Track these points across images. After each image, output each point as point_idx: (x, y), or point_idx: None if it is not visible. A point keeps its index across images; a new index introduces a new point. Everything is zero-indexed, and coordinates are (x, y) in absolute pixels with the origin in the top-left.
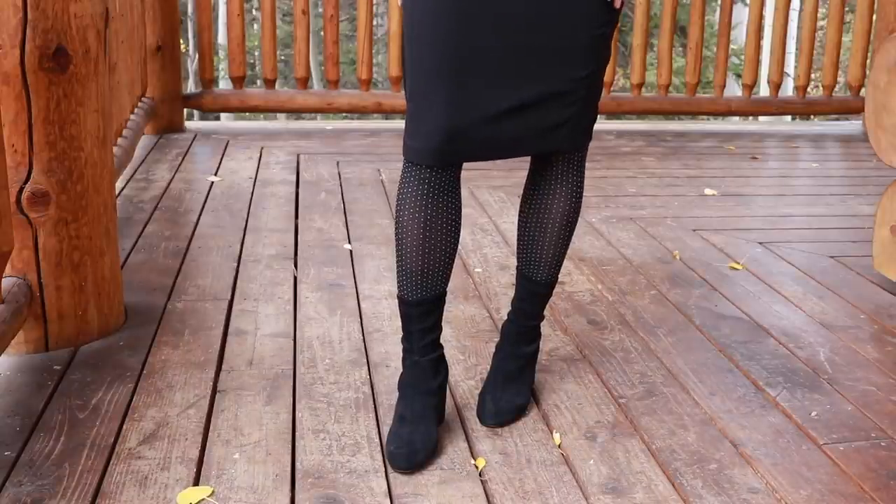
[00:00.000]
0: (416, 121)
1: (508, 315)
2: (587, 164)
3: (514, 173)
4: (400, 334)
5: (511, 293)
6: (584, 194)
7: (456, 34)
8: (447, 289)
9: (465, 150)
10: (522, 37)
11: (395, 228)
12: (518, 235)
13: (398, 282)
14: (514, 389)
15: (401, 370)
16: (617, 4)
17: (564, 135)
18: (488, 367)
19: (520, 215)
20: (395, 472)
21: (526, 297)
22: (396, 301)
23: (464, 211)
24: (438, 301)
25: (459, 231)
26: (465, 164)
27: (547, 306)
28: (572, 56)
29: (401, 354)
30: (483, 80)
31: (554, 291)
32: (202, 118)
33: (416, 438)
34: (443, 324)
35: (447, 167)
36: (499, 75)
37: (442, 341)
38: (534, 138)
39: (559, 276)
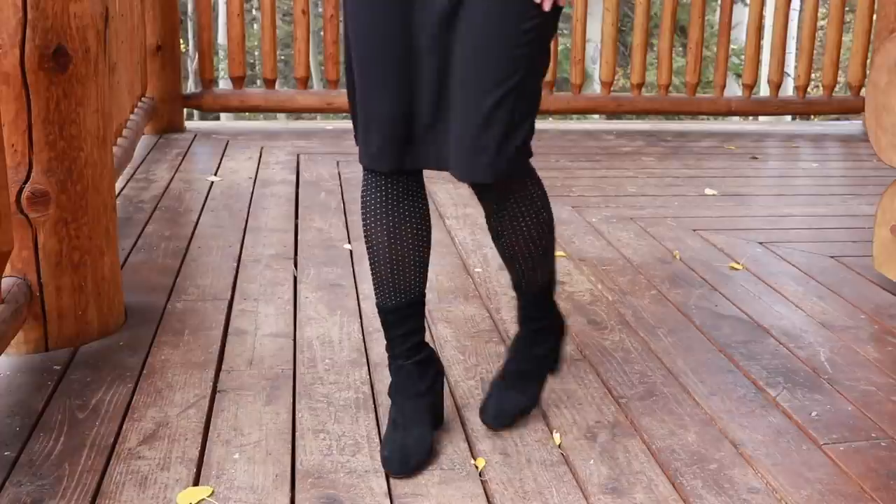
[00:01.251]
0: (359, 126)
1: (517, 318)
2: (587, 165)
3: None
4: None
5: (511, 293)
6: (587, 193)
7: (379, 39)
8: (424, 291)
9: (406, 156)
10: (444, 41)
11: (364, 236)
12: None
13: (374, 289)
14: (519, 389)
15: None
16: (546, 6)
17: (486, 160)
18: (488, 367)
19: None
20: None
21: (524, 304)
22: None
23: (464, 211)
24: (415, 306)
25: (428, 235)
26: None
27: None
28: (492, 63)
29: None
30: (408, 85)
31: (554, 291)
32: (202, 118)
33: (409, 443)
34: (443, 324)
35: (400, 173)
36: (414, 83)
37: (442, 341)
38: (455, 159)
39: (554, 275)
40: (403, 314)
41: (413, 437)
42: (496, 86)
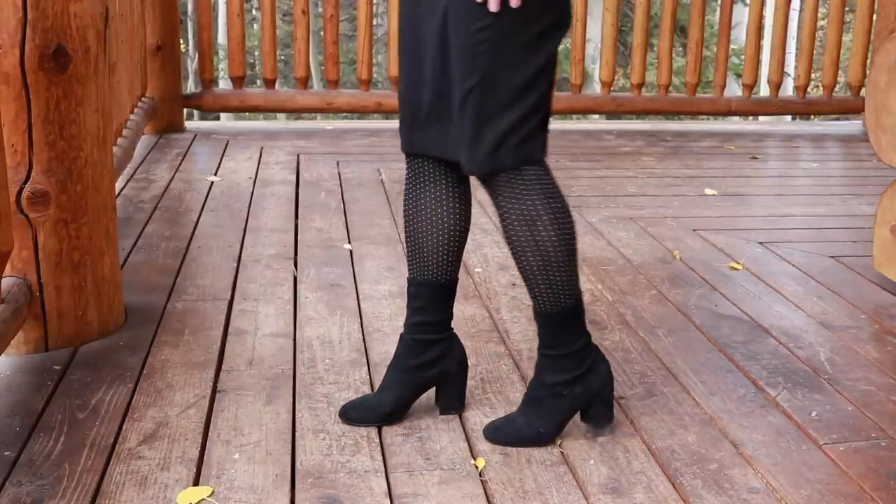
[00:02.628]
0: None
1: None
2: (587, 165)
3: None
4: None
5: (511, 293)
6: (587, 193)
7: (403, 24)
8: (446, 278)
9: (416, 141)
10: (428, 36)
11: None
12: None
13: None
14: (526, 414)
15: None
16: (492, 7)
17: (463, 150)
18: (488, 367)
19: None
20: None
21: (538, 324)
22: (396, 301)
23: None
24: (427, 287)
25: (447, 223)
26: None
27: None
28: (454, 60)
29: None
30: (411, 76)
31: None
32: (202, 118)
33: (368, 400)
34: None
35: (415, 156)
36: (421, 72)
37: None
38: (449, 145)
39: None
40: (415, 291)
41: (375, 398)
42: (461, 80)
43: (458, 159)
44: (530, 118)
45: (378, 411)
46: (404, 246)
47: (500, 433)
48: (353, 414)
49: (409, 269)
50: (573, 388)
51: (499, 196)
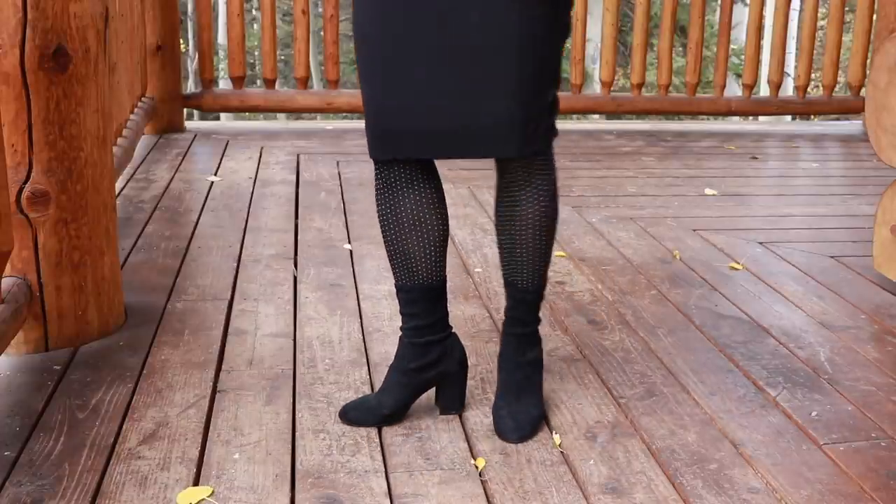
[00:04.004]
0: (365, 117)
1: (504, 325)
2: (587, 165)
3: None
4: (399, 334)
5: None
6: (587, 193)
7: (381, 30)
8: (433, 280)
9: (400, 145)
10: (446, 28)
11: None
12: (498, 244)
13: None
14: (528, 400)
15: None
16: None
17: (502, 138)
18: (488, 367)
19: (495, 224)
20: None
21: (515, 304)
22: (396, 301)
23: (464, 210)
24: (418, 291)
25: (433, 226)
26: (465, 163)
27: (545, 307)
28: (501, 50)
29: None
30: (408, 74)
31: (554, 291)
32: (202, 118)
33: (370, 401)
34: None
35: (392, 163)
36: (425, 69)
37: None
38: (471, 139)
39: (547, 278)
40: (408, 297)
41: (375, 399)
42: (519, 67)
43: (480, 152)
44: (556, 100)
45: (378, 412)
46: (390, 254)
47: (523, 429)
48: (353, 415)
49: (397, 276)
50: (540, 354)
51: (534, 176)
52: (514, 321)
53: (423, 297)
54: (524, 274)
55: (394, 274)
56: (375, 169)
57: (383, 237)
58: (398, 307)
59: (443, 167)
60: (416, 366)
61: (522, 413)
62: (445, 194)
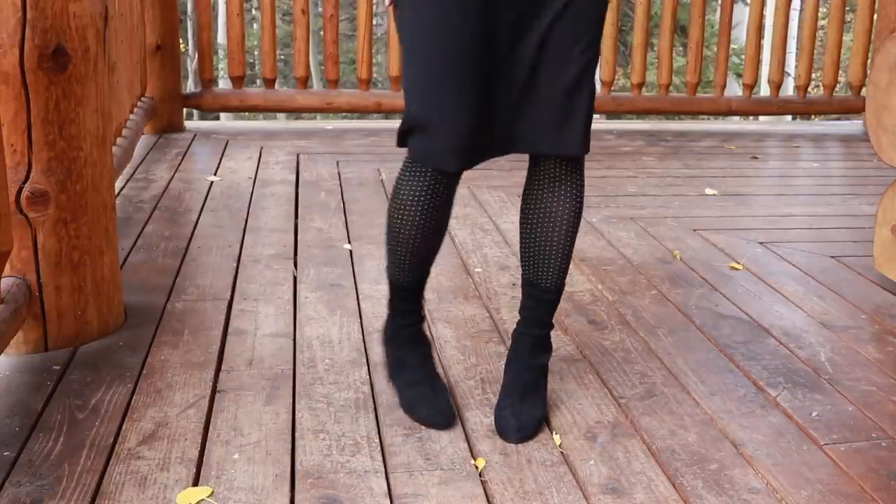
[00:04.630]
0: (429, 120)
1: (518, 326)
2: (588, 164)
3: (514, 173)
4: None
5: (511, 293)
6: (588, 192)
7: (462, 29)
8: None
9: (483, 148)
10: (525, 24)
11: (392, 230)
12: (522, 242)
13: (394, 267)
14: (533, 402)
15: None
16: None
17: (575, 136)
18: (488, 367)
19: (522, 222)
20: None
21: (536, 305)
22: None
23: (464, 210)
24: (419, 291)
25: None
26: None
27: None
28: (576, 43)
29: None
30: (489, 75)
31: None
32: (202, 118)
33: (440, 399)
34: (443, 324)
35: (457, 173)
36: (505, 69)
37: (442, 341)
38: (543, 137)
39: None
40: (414, 296)
41: (440, 392)
42: (581, 64)
43: (541, 147)
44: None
45: (440, 410)
46: (406, 258)
47: (526, 431)
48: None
49: (409, 279)
50: (550, 356)
51: (576, 174)
52: (532, 322)
53: (420, 293)
54: (550, 273)
55: (410, 276)
56: (428, 177)
57: (418, 243)
58: (405, 306)
59: None
60: (428, 351)
61: (526, 414)
62: None
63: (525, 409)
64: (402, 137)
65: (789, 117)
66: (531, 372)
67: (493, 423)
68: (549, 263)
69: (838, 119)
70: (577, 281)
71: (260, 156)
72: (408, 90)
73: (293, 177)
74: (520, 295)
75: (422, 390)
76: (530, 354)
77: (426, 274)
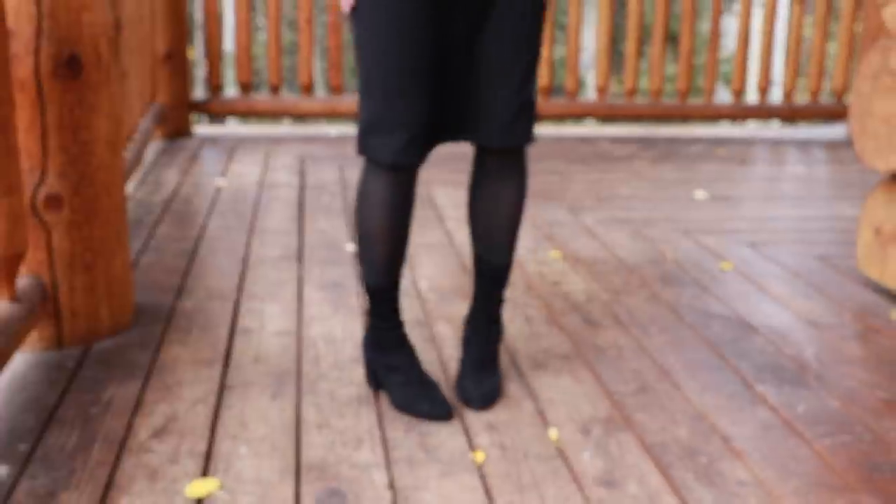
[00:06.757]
0: (381, 119)
1: (473, 307)
2: (582, 169)
3: None
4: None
5: (509, 293)
6: (582, 196)
7: (415, 33)
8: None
9: (437, 137)
10: (473, 26)
11: (363, 234)
12: (472, 226)
13: (370, 273)
14: (490, 370)
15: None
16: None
17: (524, 128)
18: None
19: (471, 207)
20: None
21: (490, 281)
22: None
23: (463, 212)
24: (397, 290)
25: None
26: (464, 166)
27: (542, 306)
28: (522, 42)
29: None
30: (441, 74)
31: (550, 291)
32: (210, 123)
33: (436, 394)
34: (443, 323)
35: (409, 168)
36: (456, 68)
37: (442, 341)
38: (495, 130)
39: (551, 273)
40: (395, 296)
41: (435, 388)
42: (527, 57)
43: (496, 141)
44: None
45: (440, 403)
46: (380, 259)
47: (490, 397)
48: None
49: (387, 280)
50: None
51: (519, 162)
52: (489, 298)
53: (397, 295)
54: (504, 252)
55: (386, 279)
56: (391, 177)
57: (391, 244)
58: (405, 301)
59: (442, 169)
60: (411, 346)
61: (487, 382)
62: (444, 197)
63: (485, 378)
64: (362, 142)
65: (776, 122)
66: (490, 345)
67: (491, 418)
68: (503, 244)
69: (824, 124)
70: (573, 281)
71: (266, 160)
72: (363, 92)
73: (298, 180)
74: (519, 295)
75: (418, 389)
76: (487, 330)
77: (400, 275)
